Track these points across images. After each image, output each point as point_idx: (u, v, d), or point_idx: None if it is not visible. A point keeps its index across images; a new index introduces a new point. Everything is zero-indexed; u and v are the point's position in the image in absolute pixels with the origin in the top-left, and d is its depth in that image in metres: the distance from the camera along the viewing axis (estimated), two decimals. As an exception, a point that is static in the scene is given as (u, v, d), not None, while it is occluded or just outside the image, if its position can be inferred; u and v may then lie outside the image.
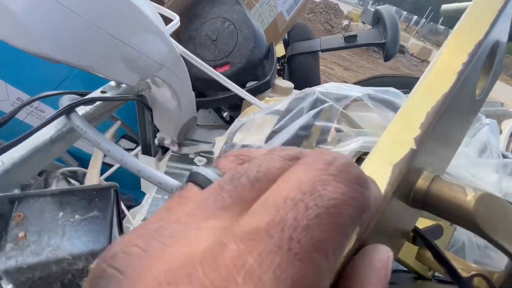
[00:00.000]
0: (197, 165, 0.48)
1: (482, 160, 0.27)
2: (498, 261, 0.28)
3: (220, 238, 0.07)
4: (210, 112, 0.68)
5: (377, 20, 1.04)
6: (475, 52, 0.16)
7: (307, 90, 0.32)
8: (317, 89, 0.31)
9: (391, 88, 0.31)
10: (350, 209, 0.07)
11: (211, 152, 0.48)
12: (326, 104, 0.29)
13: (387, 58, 0.92)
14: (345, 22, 7.45)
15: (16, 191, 0.28)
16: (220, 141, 0.35)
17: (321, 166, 0.08)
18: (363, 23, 7.43)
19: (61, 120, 0.30)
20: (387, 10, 0.98)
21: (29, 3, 0.17)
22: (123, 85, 0.39)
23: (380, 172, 0.12)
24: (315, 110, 0.29)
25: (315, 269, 0.07)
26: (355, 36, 1.01)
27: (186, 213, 0.08)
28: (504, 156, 0.30)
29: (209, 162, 0.48)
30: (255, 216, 0.07)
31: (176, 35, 0.63)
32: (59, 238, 0.21)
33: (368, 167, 0.13)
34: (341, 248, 0.08)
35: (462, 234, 0.31)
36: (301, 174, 0.08)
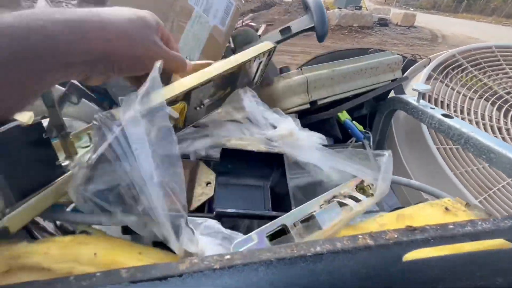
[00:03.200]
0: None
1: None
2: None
3: None
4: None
5: (306, 7, 1.08)
6: None
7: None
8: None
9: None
10: None
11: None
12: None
13: (319, 38, 0.96)
14: (321, 13, 7.47)
15: None
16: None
17: None
18: (339, 8, 7.43)
19: None
20: (311, -5, 1.02)
21: None
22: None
23: None
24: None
25: None
26: (289, 28, 1.05)
27: None
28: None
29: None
30: None
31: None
32: None
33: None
34: None
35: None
36: None
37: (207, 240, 0.24)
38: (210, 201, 0.36)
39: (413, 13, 7.92)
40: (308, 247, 0.20)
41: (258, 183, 0.41)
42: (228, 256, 0.20)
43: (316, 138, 0.45)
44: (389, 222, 0.28)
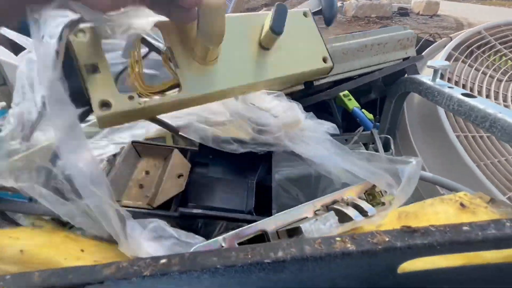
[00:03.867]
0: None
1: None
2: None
3: None
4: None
5: (313, -11, 1.01)
6: None
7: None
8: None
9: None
10: None
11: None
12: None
13: (326, 22, 0.90)
14: (338, 4, 7.30)
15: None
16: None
17: None
18: (356, -2, 7.16)
19: None
20: (319, -23, 0.96)
21: None
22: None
23: None
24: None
25: None
26: (294, 12, 0.99)
27: None
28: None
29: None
30: None
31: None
32: None
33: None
34: None
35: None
36: None
37: (154, 246, 0.20)
38: (183, 195, 0.31)
39: (437, 1, 7.49)
40: (267, 252, 0.15)
41: (242, 178, 0.35)
42: (164, 260, 0.16)
43: (325, 128, 0.39)
44: (388, 222, 0.22)
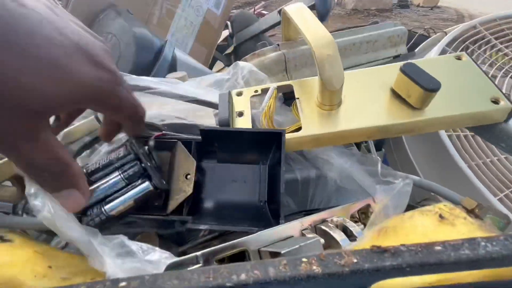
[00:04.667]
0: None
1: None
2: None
3: None
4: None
5: (307, -17, 0.99)
6: None
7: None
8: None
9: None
10: None
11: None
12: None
13: (320, 17, 0.88)
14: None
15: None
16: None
17: None
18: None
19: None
20: (314, -29, 0.94)
21: None
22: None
23: None
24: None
25: None
26: (287, 7, 0.98)
27: None
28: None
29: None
30: None
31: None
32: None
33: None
34: None
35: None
36: None
37: (118, 262, 0.19)
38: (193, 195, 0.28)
39: (437, -8, 7.37)
40: (230, 274, 0.15)
41: (253, 162, 0.32)
42: (123, 283, 0.15)
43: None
44: (368, 240, 0.21)
